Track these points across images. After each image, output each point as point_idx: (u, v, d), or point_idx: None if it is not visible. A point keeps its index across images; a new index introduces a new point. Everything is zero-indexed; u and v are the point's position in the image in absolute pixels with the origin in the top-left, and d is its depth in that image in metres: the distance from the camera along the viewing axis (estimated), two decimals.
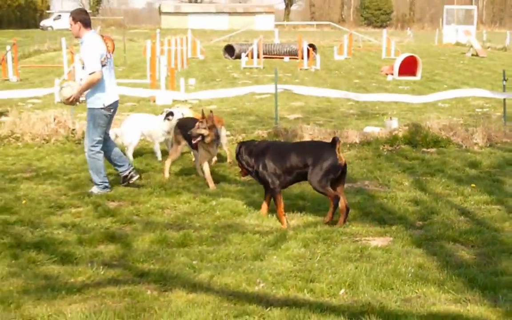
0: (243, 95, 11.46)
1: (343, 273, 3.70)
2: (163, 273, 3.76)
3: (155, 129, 7.17)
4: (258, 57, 20.34)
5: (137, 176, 6.10)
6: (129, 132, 7.20)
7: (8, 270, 3.78)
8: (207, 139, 5.89)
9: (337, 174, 4.95)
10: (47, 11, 57.84)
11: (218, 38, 35.45)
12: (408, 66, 16.96)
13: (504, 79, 9.32)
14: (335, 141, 4.97)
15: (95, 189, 5.82)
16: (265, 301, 3.32)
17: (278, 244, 4.36)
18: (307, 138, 7.99)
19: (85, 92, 5.82)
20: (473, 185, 6.11)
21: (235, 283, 3.59)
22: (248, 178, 5.53)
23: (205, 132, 5.84)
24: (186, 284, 3.56)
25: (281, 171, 4.99)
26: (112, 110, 5.97)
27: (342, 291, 3.49)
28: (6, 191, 5.82)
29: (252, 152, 5.11)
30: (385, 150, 8.01)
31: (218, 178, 6.51)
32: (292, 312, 3.14)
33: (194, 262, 3.94)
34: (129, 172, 6.08)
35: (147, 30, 42.80)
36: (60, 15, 51.38)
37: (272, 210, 5.14)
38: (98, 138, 5.81)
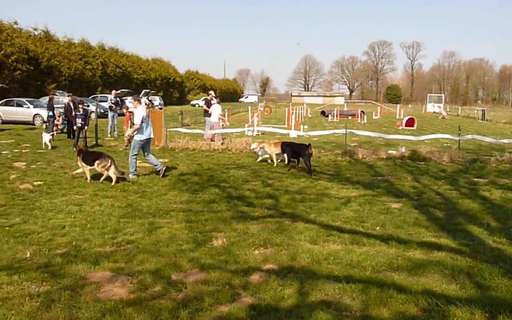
0: (329, 134, 19.94)
1: (378, 219, 6.98)
2: (293, 213, 7.34)
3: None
4: (336, 116, 37.31)
5: (164, 171, 10.53)
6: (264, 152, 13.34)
7: (224, 208, 7.66)
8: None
9: (310, 157, 11.09)
10: (242, 94, 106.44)
11: (318, 107, 59.79)
12: (410, 122, 29.26)
13: (459, 130, 15.46)
14: (309, 144, 11.26)
15: (131, 175, 10.35)
16: (340, 230, 6.47)
17: (346, 204, 7.98)
18: (360, 155, 13.51)
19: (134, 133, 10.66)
20: (442, 180, 10.51)
21: (326, 221, 6.93)
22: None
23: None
24: (303, 219, 6.98)
25: (293, 152, 11.47)
26: (144, 142, 10.61)
27: (378, 228, 6.63)
28: (224, 174, 10.84)
29: (284, 144, 11.20)
30: (398, 162, 13.55)
31: (317, 170, 11.44)
32: (354, 236, 6.14)
33: (307, 210, 7.55)
34: (161, 169, 10.55)
35: (285, 103, 70.70)
36: (247, 96, 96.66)
37: (339, 189, 8.98)
38: (135, 153, 10.53)
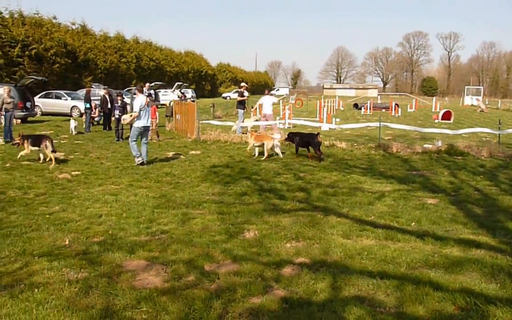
0: (363, 127, 19.87)
1: (413, 215, 6.80)
2: (325, 207, 7.27)
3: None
4: (369, 109, 37.17)
5: (140, 163, 10.91)
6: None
7: (256, 201, 7.68)
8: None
9: (319, 144, 11.80)
10: (273, 87, 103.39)
11: (350, 100, 57.64)
12: (446, 115, 28.68)
13: (499, 124, 14.94)
14: (318, 133, 12.06)
15: (137, 160, 10.96)
16: (374, 225, 6.36)
17: (380, 198, 7.83)
18: (394, 148, 13.25)
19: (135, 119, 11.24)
20: (481, 176, 10.01)
21: (359, 215, 6.81)
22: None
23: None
24: (335, 213, 6.90)
25: (302, 141, 12.14)
26: (142, 129, 11.25)
27: (413, 223, 6.46)
28: (256, 166, 10.91)
29: (291, 134, 12.54)
30: (434, 156, 13.11)
31: (350, 164, 11.42)
32: (388, 231, 6.00)
33: (340, 204, 7.45)
34: (138, 162, 10.94)
35: (317, 95, 74.32)
36: (278, 89, 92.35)
37: (373, 183, 8.78)
38: (135, 139, 11.10)
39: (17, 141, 11.45)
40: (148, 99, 11.60)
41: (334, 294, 4.22)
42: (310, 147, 12.29)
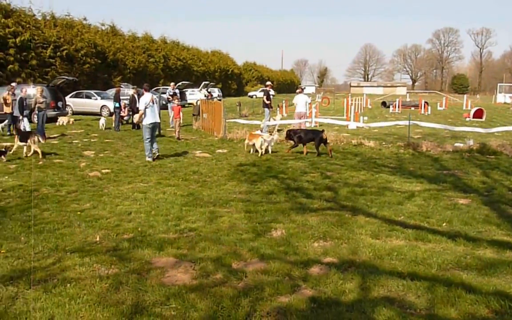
0: (391, 125, 18.75)
1: (445, 216, 6.63)
2: (353, 207, 7.15)
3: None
4: (398, 107, 36.14)
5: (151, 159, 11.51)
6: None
7: (283, 199, 7.65)
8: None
9: (323, 141, 12.34)
10: (299, 85, 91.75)
11: (378, 98, 57.13)
12: (478, 113, 27.90)
13: None
14: (323, 130, 12.77)
15: (147, 157, 11.52)
16: (403, 225, 6.21)
17: (410, 198, 7.67)
18: (424, 147, 12.93)
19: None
20: None
21: (388, 215, 6.67)
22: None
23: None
24: (363, 213, 6.80)
25: (306, 138, 12.60)
26: (151, 126, 11.56)
27: (444, 224, 6.29)
28: (282, 165, 10.93)
29: (291, 131, 13.06)
30: (466, 155, 12.75)
31: (378, 163, 11.38)
32: (418, 232, 5.85)
33: (368, 203, 7.35)
34: (149, 159, 11.49)
35: (343, 94, 72.32)
36: (305, 87, 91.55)
37: (402, 183, 8.60)
38: (147, 136, 11.50)
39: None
40: (154, 97, 11.98)
41: (363, 295, 4.17)
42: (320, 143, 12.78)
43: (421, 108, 34.31)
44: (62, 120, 21.03)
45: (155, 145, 11.87)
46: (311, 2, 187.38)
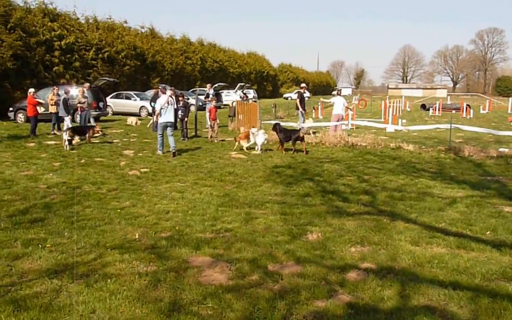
0: (431, 129, 19.54)
1: (488, 224, 6.35)
2: (392, 212, 7.01)
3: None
4: (438, 110, 35.31)
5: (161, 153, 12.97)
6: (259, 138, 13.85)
7: (319, 202, 7.57)
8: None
9: (299, 139, 13.39)
10: (335, 87, 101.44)
11: (417, 100, 55.87)
12: None
13: None
14: (299, 129, 14.08)
15: (158, 151, 12.96)
16: (445, 232, 6.01)
17: (451, 205, 7.42)
18: (466, 152, 12.64)
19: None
20: None
21: (428, 221, 6.48)
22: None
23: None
24: (402, 219, 6.62)
25: (285, 136, 13.63)
26: (165, 124, 12.85)
27: (488, 232, 6.04)
28: (318, 167, 10.92)
29: (278, 125, 14.08)
30: (511, 161, 12.17)
31: (418, 168, 11.25)
32: (460, 240, 5.67)
33: (407, 209, 7.16)
34: (159, 152, 12.94)
35: (381, 96, 72.81)
36: (340, 89, 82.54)
37: (443, 188, 8.34)
38: (160, 133, 12.92)
39: None
40: (170, 99, 13.07)
41: (403, 303, 4.06)
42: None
43: (462, 111, 33.15)
44: (131, 120, 21.92)
45: (172, 143, 12.85)
46: (348, 3, 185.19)
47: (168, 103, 12.89)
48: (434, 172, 10.50)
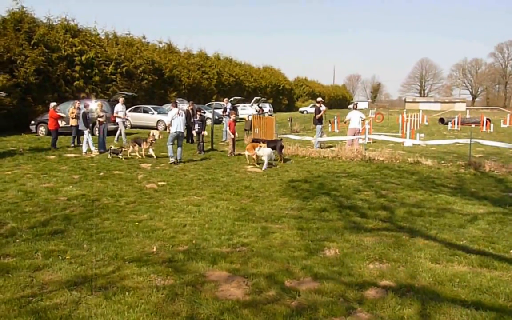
0: (450, 143, 19.33)
1: None
2: (411, 228, 6.88)
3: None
4: (457, 124, 34.58)
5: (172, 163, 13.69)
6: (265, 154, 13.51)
7: (336, 218, 7.50)
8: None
9: (281, 149, 14.40)
10: (351, 100, 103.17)
11: (435, 114, 55.11)
12: None
13: None
14: (281, 139, 15.16)
15: (170, 159, 13.77)
16: (466, 250, 5.88)
17: (472, 221, 7.28)
18: (487, 167, 12.38)
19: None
20: None
21: (449, 239, 6.36)
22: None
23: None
24: (422, 235, 6.52)
25: (268, 146, 13.98)
26: (176, 134, 13.98)
27: (511, 251, 6.14)
28: (335, 182, 10.85)
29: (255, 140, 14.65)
30: None
31: (437, 183, 11.09)
32: (482, 258, 5.58)
33: (427, 225, 7.04)
34: (173, 162, 13.71)
35: (398, 110, 72.09)
36: (357, 103, 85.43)
37: (463, 205, 8.19)
38: (170, 142, 13.85)
39: None
40: (180, 111, 14.25)
41: None
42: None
43: (482, 125, 32.62)
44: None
45: (179, 154, 14.19)
46: (364, 16, 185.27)
47: (178, 114, 14.11)
48: (453, 187, 10.33)
